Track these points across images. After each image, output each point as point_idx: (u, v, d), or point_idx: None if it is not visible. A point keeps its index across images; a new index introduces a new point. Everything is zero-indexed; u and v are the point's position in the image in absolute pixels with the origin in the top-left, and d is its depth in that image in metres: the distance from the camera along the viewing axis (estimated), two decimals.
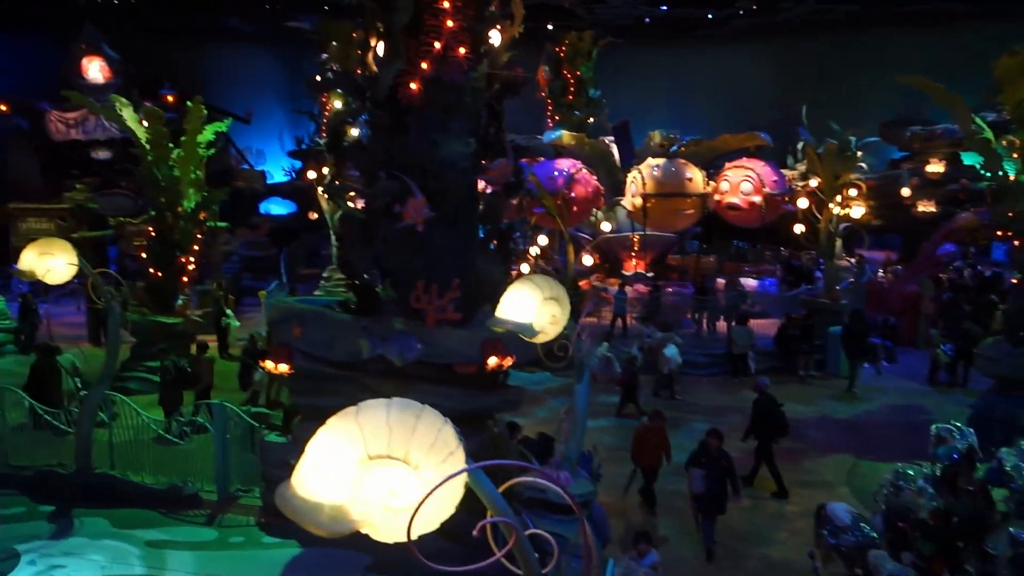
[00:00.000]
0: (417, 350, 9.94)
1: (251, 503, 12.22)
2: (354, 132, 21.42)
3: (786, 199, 25.13)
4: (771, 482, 13.16)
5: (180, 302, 18.61)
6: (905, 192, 30.21)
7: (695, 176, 25.57)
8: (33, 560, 10.69)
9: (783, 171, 27.30)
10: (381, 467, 3.62)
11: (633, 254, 26.28)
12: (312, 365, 10.72)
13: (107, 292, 12.63)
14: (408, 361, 9.93)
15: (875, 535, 9.00)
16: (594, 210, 26.42)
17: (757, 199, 24.94)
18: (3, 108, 33.80)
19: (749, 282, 25.44)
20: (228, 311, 21.41)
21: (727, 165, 26.17)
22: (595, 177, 25.86)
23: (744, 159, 25.99)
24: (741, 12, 38.65)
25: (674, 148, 26.26)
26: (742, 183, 25.11)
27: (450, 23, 10.15)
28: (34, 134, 33.84)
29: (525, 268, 21.09)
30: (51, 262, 11.34)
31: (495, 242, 11.54)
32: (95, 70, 33.11)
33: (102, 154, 34.05)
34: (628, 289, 23.28)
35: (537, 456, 10.64)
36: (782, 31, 41.67)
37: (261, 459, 11.88)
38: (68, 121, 33.31)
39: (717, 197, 25.54)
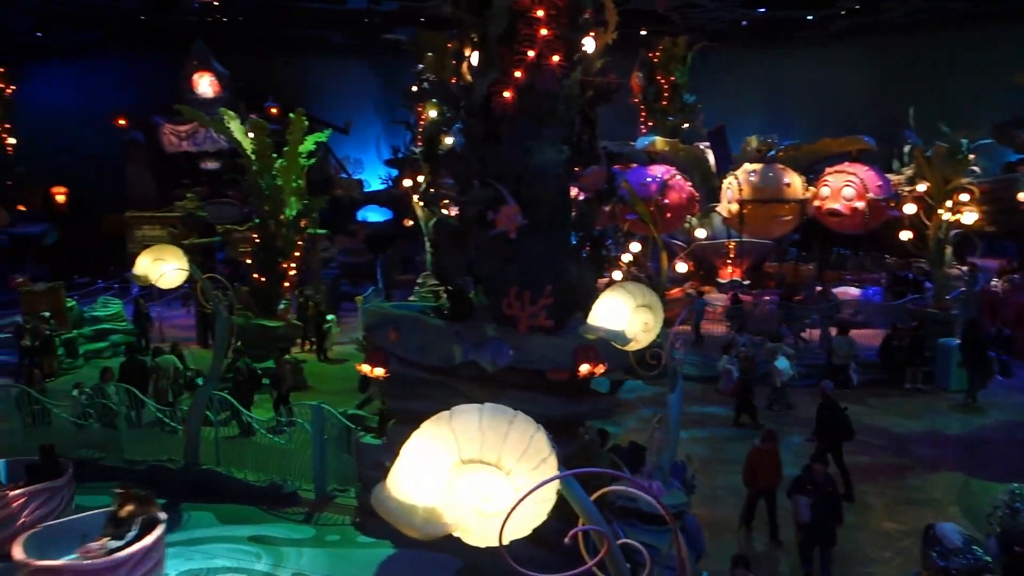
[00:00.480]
0: (509, 356, 10.00)
1: (347, 503, 12.54)
2: (448, 141, 21.71)
3: (891, 204, 24.10)
4: (874, 498, 12.67)
5: (282, 306, 19.26)
6: (1022, 196, 28.54)
7: (793, 181, 24.85)
8: None
9: (888, 176, 26.21)
10: (474, 472, 3.66)
11: (729, 261, 25.71)
12: (406, 369, 10.92)
13: (215, 296, 13.22)
14: (500, 367, 10.00)
15: (989, 559, 8.50)
16: (688, 216, 26.00)
17: (860, 205, 23.99)
18: (121, 122, 35.88)
19: (851, 291, 24.50)
20: (329, 316, 22.01)
21: (828, 170, 25.28)
22: (689, 183, 25.45)
23: (846, 163, 25.07)
24: (843, 12, 37.35)
25: (772, 153, 25.54)
26: (844, 188, 24.22)
27: (544, 31, 10.19)
28: (149, 146, 35.78)
29: (617, 275, 20.90)
30: (163, 267, 11.96)
31: (587, 249, 11.51)
32: (205, 85, 34.76)
33: (211, 164, 35.74)
34: (721, 296, 22.74)
35: (628, 465, 10.53)
36: (885, 31, 40.04)
37: (356, 460, 12.18)
38: (180, 134, 35.07)
39: (817, 203, 24.72)
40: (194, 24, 35.23)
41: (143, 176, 36.06)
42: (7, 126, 34.21)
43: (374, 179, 39.84)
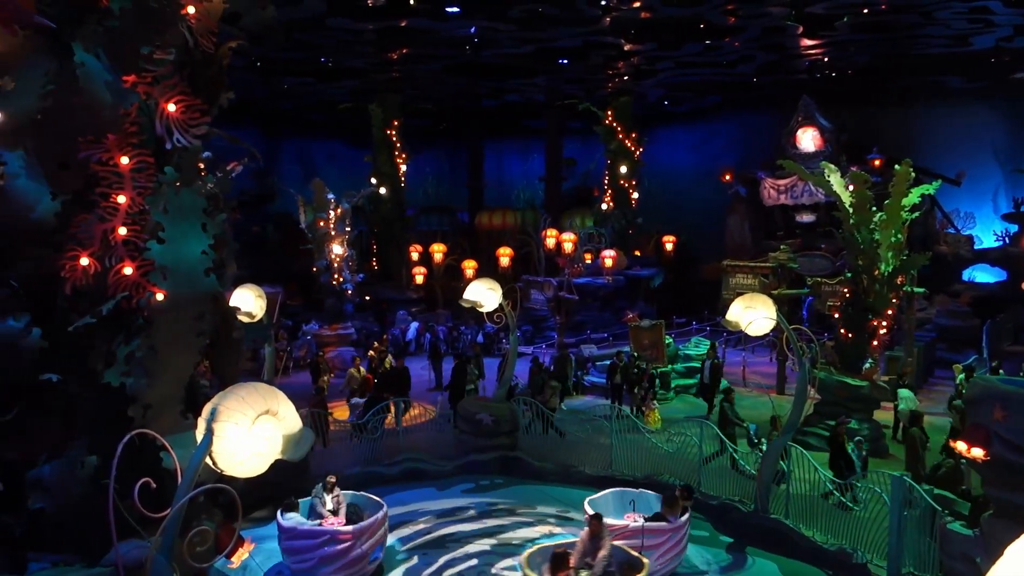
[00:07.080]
0: None
1: None
2: None
3: None
4: None
5: (867, 365, 18.41)
6: None
7: None
8: None
9: None
10: None
11: None
12: (1013, 455, 9.39)
13: (799, 347, 13.25)
14: None
15: None
16: None
17: None
18: (727, 177, 38.69)
19: None
20: (904, 392, 19.84)
21: None
22: None
23: None
24: None
25: None
26: None
27: None
28: (749, 200, 37.82)
29: None
30: (753, 315, 12.45)
31: None
32: (807, 139, 35.34)
33: (806, 217, 36.18)
34: None
35: None
36: None
37: (940, 547, 10.90)
38: (779, 187, 36.26)
39: None
40: (802, 82, 36.11)
41: (741, 227, 38.26)
42: (633, 182, 39.55)
43: (987, 235, 35.49)
